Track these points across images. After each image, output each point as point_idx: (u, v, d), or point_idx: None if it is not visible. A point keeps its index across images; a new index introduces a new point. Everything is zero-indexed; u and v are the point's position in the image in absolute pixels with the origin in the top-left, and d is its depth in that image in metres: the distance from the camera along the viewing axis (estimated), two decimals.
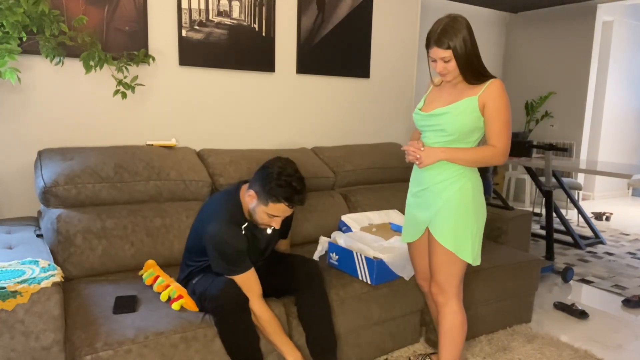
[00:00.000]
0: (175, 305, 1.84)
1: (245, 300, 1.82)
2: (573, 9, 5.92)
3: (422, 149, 1.88)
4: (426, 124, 1.93)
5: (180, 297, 1.87)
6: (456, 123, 1.84)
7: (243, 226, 1.91)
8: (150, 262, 2.15)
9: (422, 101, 2.02)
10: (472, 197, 1.90)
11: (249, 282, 1.84)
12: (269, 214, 1.85)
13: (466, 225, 1.90)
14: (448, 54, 1.77)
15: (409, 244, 2.15)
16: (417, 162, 1.90)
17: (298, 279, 2.00)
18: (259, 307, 1.83)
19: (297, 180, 1.84)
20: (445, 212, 1.89)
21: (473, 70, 1.82)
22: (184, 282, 2.00)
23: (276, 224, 1.89)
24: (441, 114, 1.87)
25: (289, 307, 2.01)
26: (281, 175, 1.82)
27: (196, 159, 2.59)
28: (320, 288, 2.02)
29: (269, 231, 2.02)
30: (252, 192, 1.87)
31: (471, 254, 1.91)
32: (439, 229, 1.90)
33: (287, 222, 2.24)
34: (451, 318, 1.96)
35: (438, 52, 1.79)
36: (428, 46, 1.81)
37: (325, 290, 2.04)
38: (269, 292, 1.97)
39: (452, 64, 1.80)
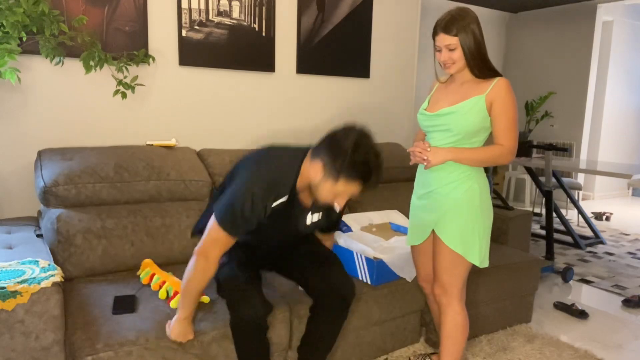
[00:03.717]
0: (173, 303, 1.84)
1: (265, 314, 1.74)
2: (573, 9, 5.92)
3: (429, 149, 1.85)
4: (431, 124, 1.91)
5: (177, 293, 1.87)
6: (463, 123, 1.82)
7: (279, 200, 1.66)
8: (147, 261, 2.15)
9: (427, 101, 1.99)
10: (479, 199, 1.88)
11: (222, 243, 1.67)
12: (335, 193, 1.60)
13: (474, 227, 1.88)
14: (454, 41, 1.76)
15: (412, 247, 2.12)
16: (424, 163, 1.87)
17: (330, 296, 1.85)
18: (214, 259, 1.66)
19: (375, 156, 1.58)
20: (453, 215, 1.87)
21: (479, 62, 1.81)
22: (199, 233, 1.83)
23: (340, 203, 1.63)
24: (447, 114, 1.85)
25: (294, 306, 1.99)
26: (357, 150, 1.54)
27: (196, 159, 2.59)
28: (345, 314, 1.92)
29: (309, 221, 1.80)
30: (318, 163, 1.59)
31: (479, 256, 1.90)
32: (446, 231, 1.88)
33: (337, 215, 1.99)
34: (453, 319, 1.96)
35: (444, 39, 1.77)
36: (435, 34, 1.80)
37: (346, 316, 1.94)
38: (286, 268, 1.94)
39: (458, 53, 1.78)
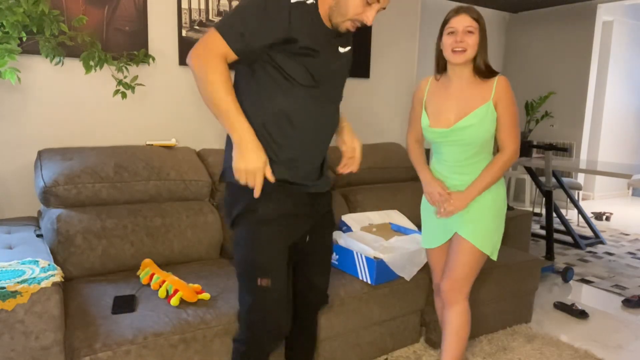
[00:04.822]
0: (173, 301, 1.84)
1: (278, 335, 1.62)
2: (573, 9, 5.92)
3: (451, 200, 1.86)
4: (444, 140, 1.87)
5: (177, 291, 1.87)
6: (480, 134, 1.81)
7: None
8: (147, 261, 2.15)
9: (425, 116, 1.92)
10: (503, 202, 1.92)
11: (216, 44, 1.36)
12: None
13: (499, 227, 1.93)
14: (475, 24, 1.75)
15: (431, 249, 2.07)
16: (449, 210, 1.88)
17: (302, 310, 1.76)
18: (219, 65, 1.36)
19: None
20: (482, 217, 1.88)
21: (485, 56, 1.79)
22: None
23: (369, 16, 1.45)
24: (464, 128, 1.81)
25: None
26: None
27: (196, 159, 2.59)
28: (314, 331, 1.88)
29: (341, 49, 1.56)
30: None
31: (497, 252, 1.96)
32: (474, 234, 1.87)
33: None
34: (461, 317, 1.96)
35: (465, 20, 1.74)
36: (453, 15, 1.76)
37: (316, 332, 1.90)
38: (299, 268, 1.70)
39: (474, 39, 1.75)
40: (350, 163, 1.71)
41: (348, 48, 1.60)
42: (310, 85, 1.47)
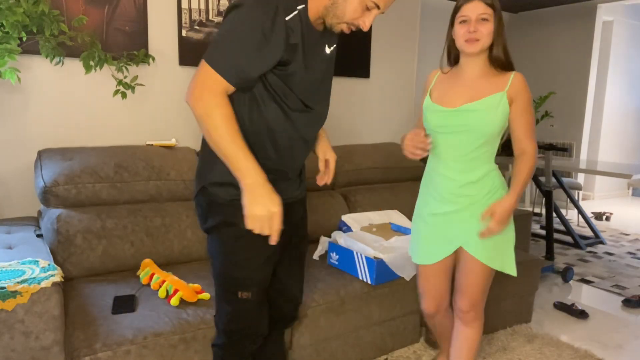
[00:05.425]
0: (173, 301, 1.84)
1: (256, 335, 1.59)
2: (573, 9, 5.92)
3: (495, 218, 1.67)
4: (447, 124, 1.69)
5: (177, 291, 1.87)
6: (487, 123, 1.64)
7: (291, 15, 1.32)
8: (147, 261, 2.15)
9: (429, 97, 1.76)
10: None
11: (213, 80, 1.29)
12: (366, 3, 1.35)
13: (509, 237, 1.80)
14: (489, 11, 1.60)
15: (426, 266, 1.87)
16: (495, 231, 1.70)
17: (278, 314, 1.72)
18: (221, 104, 1.29)
19: None
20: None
21: (502, 48, 1.65)
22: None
23: (367, 21, 1.38)
24: (470, 111, 1.64)
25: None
26: None
27: (196, 159, 2.59)
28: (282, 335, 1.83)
29: (327, 50, 1.49)
30: None
31: (514, 266, 1.82)
32: (483, 248, 1.73)
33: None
34: (480, 331, 1.90)
35: (479, 7, 1.59)
36: (465, 2, 1.62)
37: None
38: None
39: (489, 27, 1.61)
40: (324, 174, 1.66)
41: (334, 46, 1.54)
42: (299, 109, 1.44)
